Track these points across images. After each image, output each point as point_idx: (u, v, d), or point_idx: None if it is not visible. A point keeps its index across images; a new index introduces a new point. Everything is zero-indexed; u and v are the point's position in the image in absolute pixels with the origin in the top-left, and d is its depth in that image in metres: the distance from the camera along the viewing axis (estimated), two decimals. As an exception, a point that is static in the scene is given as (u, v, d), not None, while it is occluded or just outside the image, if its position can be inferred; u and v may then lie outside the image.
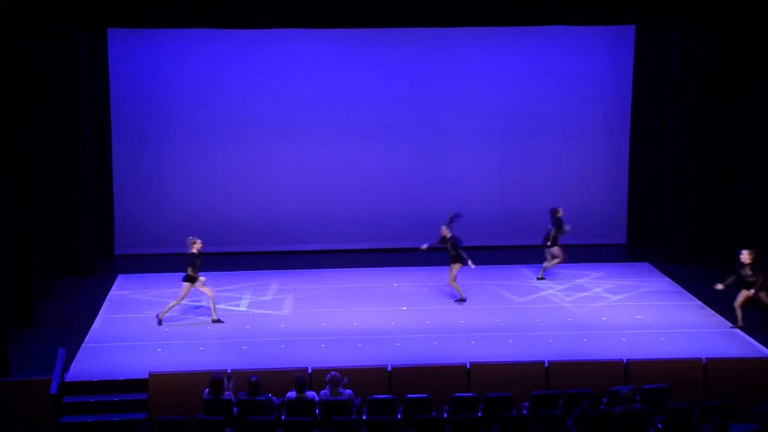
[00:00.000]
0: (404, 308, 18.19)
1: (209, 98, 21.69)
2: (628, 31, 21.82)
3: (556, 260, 19.68)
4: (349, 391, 13.71)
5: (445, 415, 13.62)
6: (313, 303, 18.48)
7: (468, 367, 14.98)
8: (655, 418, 13.37)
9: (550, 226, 19.59)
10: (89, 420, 14.57)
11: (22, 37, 17.44)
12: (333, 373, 13.75)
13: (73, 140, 20.30)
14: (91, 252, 20.80)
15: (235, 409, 13.53)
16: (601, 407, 13.28)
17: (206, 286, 17.33)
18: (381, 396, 13.93)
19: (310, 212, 22.10)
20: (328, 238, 22.15)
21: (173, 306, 17.33)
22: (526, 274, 20.16)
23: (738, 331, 16.88)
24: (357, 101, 21.93)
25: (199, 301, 18.29)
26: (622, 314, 17.75)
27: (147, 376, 14.76)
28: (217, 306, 17.99)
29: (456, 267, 18.33)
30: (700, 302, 18.35)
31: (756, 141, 18.34)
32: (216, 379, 13.61)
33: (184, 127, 21.75)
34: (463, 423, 13.23)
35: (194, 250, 17.20)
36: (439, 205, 22.12)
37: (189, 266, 17.14)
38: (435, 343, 16.42)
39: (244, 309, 18.25)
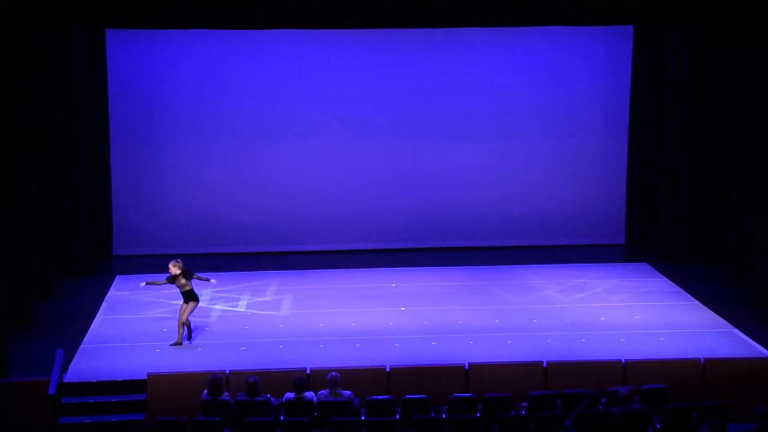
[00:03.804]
0: (403, 309, 18.19)
1: (208, 99, 21.68)
2: (627, 32, 21.83)
3: None
4: (348, 392, 13.72)
5: (444, 416, 13.62)
6: (312, 303, 18.48)
7: (466, 367, 14.98)
8: (654, 418, 13.37)
9: None
10: (87, 421, 14.56)
11: (20, 37, 17.43)
12: (333, 373, 13.76)
13: (71, 141, 20.29)
14: (90, 253, 20.79)
15: (234, 410, 13.53)
16: (600, 407, 13.28)
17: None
18: (379, 396, 13.93)
19: (309, 213, 22.10)
20: (326, 239, 22.16)
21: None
22: (524, 275, 20.16)
23: (736, 330, 16.85)
24: (356, 102, 21.93)
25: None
26: (621, 314, 17.76)
27: (145, 377, 14.77)
28: (215, 306, 18.06)
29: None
30: (698, 302, 18.36)
31: (754, 141, 18.34)
32: (215, 380, 13.62)
33: (182, 128, 21.74)
34: (461, 423, 13.22)
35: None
36: (437, 205, 22.20)
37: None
38: (433, 343, 16.42)
39: (242, 310, 18.24)
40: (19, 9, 16.79)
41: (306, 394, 13.66)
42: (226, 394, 13.76)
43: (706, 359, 15.12)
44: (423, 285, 19.55)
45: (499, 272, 20.40)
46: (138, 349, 16.25)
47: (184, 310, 16.31)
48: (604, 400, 13.57)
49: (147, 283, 16.67)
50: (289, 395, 13.67)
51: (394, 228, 22.29)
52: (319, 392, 13.78)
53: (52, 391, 14.24)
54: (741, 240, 19.32)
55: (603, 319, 17.56)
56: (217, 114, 21.73)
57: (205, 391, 13.65)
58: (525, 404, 13.90)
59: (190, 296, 16.33)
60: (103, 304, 18.57)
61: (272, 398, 13.71)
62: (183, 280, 16.32)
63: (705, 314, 17.79)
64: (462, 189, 22.20)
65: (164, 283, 16.47)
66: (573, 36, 21.66)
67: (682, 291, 19.06)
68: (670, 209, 21.30)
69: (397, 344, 16.40)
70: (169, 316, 17.56)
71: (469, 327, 17.18)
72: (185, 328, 16.40)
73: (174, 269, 16.26)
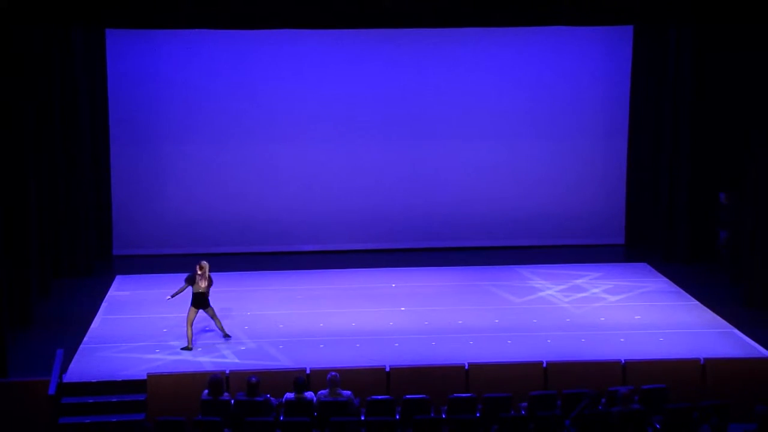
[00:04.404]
0: (402, 309, 18.19)
1: (207, 98, 21.68)
2: (626, 32, 21.84)
3: None
4: (348, 392, 13.72)
5: (444, 416, 13.62)
6: (312, 304, 18.48)
7: (466, 367, 14.98)
8: (654, 418, 13.39)
9: None
10: (87, 421, 14.56)
11: (20, 37, 17.43)
12: (333, 373, 13.76)
13: (71, 140, 20.30)
14: (90, 253, 20.79)
15: (234, 410, 13.54)
16: (600, 407, 13.28)
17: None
18: (379, 396, 13.93)
19: (309, 213, 22.10)
20: (326, 239, 22.16)
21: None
22: (524, 275, 20.15)
23: (736, 330, 16.86)
24: (355, 102, 21.93)
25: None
26: (621, 314, 17.76)
27: (145, 377, 14.77)
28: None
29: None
30: (698, 302, 18.36)
31: (754, 141, 18.35)
32: (215, 380, 13.62)
33: (182, 128, 21.75)
34: (461, 423, 13.23)
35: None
36: (438, 205, 22.20)
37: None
38: (433, 343, 16.42)
39: (243, 310, 18.25)
40: (19, 9, 16.77)
41: (306, 394, 13.66)
42: (225, 394, 13.77)
43: (706, 359, 15.12)
44: (423, 285, 19.55)
45: (499, 272, 20.40)
46: (138, 349, 16.25)
47: (191, 316, 16.28)
48: (604, 400, 13.57)
49: (171, 296, 16.57)
50: (289, 395, 13.67)
51: (394, 228, 22.29)
52: (319, 392, 13.78)
53: (52, 391, 14.25)
54: (729, 239, 19.36)
55: (603, 319, 17.56)
56: (216, 114, 21.74)
57: (206, 391, 13.65)
58: (525, 404, 13.90)
59: (203, 301, 16.26)
60: (103, 304, 18.57)
61: (272, 398, 13.71)
62: (203, 283, 16.29)
63: (705, 314, 17.79)
64: (462, 189, 22.21)
65: (185, 288, 16.37)
66: (573, 36, 21.66)
67: (682, 291, 19.06)
68: (670, 209, 21.31)
69: (397, 344, 16.40)
70: (169, 315, 17.57)
71: (469, 327, 17.18)
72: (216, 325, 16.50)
73: (200, 271, 16.25)
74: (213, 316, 16.51)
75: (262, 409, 13.46)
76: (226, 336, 16.51)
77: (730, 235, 19.80)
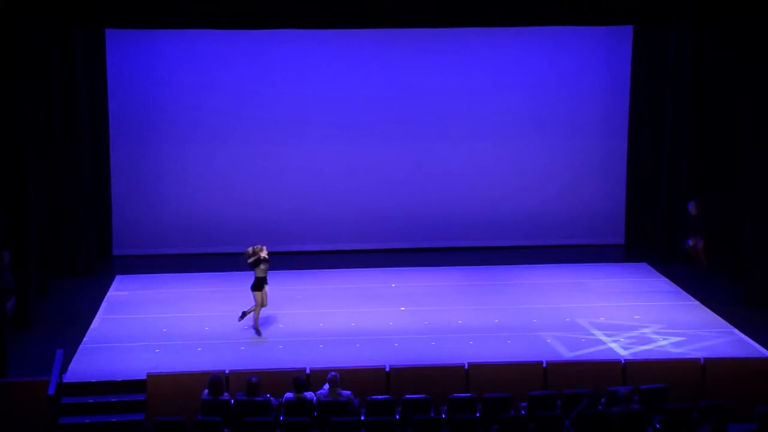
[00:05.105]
0: (402, 309, 18.19)
1: (207, 98, 21.67)
2: (626, 31, 21.84)
3: None
4: (348, 391, 13.72)
5: (444, 416, 13.63)
6: (311, 303, 18.48)
7: (466, 367, 14.98)
8: (654, 418, 13.38)
9: None
10: (87, 421, 14.57)
11: (20, 37, 17.42)
12: (333, 373, 13.77)
13: (71, 140, 20.29)
14: (90, 253, 20.78)
15: (234, 410, 13.54)
16: (600, 407, 13.29)
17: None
18: (379, 396, 13.94)
19: (309, 213, 22.09)
20: (326, 239, 22.15)
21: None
22: (524, 275, 20.15)
23: (736, 330, 16.86)
24: (355, 102, 21.92)
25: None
26: (621, 314, 17.76)
27: (145, 377, 14.77)
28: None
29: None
30: (697, 302, 18.36)
31: (753, 141, 18.35)
32: (215, 380, 13.63)
33: (182, 127, 21.74)
34: (461, 423, 13.23)
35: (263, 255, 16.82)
36: (437, 205, 22.19)
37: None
38: (433, 343, 16.43)
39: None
40: (19, 9, 16.76)
41: (306, 394, 13.66)
42: (225, 394, 13.77)
43: (706, 359, 15.13)
44: (423, 285, 19.55)
45: (499, 272, 20.39)
46: (138, 349, 16.26)
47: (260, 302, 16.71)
48: (603, 400, 13.58)
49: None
50: (289, 395, 13.68)
51: (394, 228, 22.28)
52: (319, 392, 13.79)
53: (52, 391, 14.25)
54: (698, 247, 19.38)
55: (603, 319, 17.55)
56: (216, 114, 21.72)
57: (206, 391, 13.66)
58: (525, 404, 13.90)
59: (261, 284, 16.60)
60: (103, 304, 18.57)
61: (272, 398, 13.71)
62: (262, 266, 16.66)
63: (705, 314, 17.79)
64: (461, 189, 22.19)
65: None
66: (573, 36, 21.64)
67: (682, 291, 19.06)
68: (670, 209, 21.30)
69: (397, 344, 16.40)
70: (169, 315, 17.58)
71: (469, 327, 17.18)
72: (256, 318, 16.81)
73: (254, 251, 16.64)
74: (257, 303, 16.78)
75: (262, 409, 13.47)
76: (243, 317, 16.87)
77: (704, 243, 19.71)
